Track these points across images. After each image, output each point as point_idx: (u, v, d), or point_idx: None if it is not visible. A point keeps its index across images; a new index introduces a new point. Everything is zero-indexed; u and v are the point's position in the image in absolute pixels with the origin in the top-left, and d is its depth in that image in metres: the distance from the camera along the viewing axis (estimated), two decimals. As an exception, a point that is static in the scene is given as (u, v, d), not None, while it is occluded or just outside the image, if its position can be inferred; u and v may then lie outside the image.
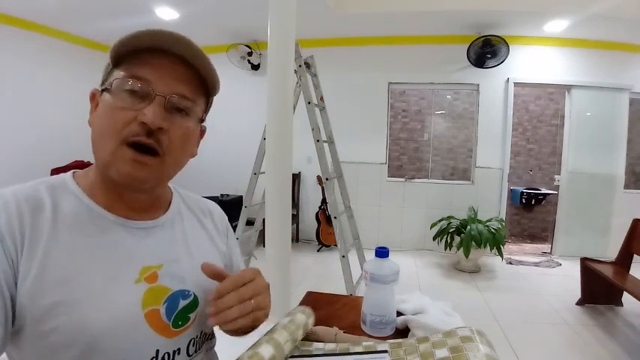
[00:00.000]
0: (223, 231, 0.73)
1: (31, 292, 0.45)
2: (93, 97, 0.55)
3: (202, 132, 0.63)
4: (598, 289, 2.69)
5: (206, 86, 0.57)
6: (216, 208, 0.74)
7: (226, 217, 0.76)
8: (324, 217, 4.04)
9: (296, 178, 4.27)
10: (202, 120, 0.60)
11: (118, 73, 0.51)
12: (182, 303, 0.56)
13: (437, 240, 3.64)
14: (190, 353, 0.56)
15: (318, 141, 2.61)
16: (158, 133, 0.51)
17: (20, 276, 0.45)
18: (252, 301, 0.52)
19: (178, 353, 0.54)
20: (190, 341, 0.56)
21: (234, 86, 4.37)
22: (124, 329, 0.48)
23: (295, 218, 4.31)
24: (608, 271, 2.49)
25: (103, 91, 0.53)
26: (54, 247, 0.48)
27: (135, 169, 0.50)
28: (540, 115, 5.26)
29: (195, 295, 0.58)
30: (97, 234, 0.52)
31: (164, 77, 0.51)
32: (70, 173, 0.57)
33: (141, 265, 0.54)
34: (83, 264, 0.49)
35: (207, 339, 0.61)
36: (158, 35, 0.50)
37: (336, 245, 2.88)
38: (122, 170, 0.50)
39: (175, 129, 0.53)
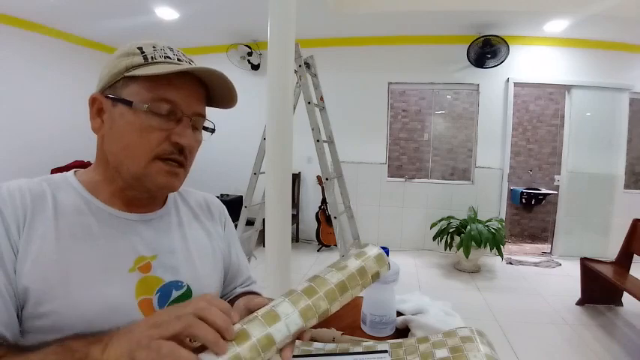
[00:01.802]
0: (221, 221, 0.74)
1: (30, 274, 0.47)
2: (94, 101, 0.56)
3: None
4: (598, 289, 2.69)
5: (209, 99, 0.61)
6: (213, 199, 0.76)
7: (225, 208, 0.77)
8: (324, 217, 4.04)
9: (296, 178, 4.27)
10: (211, 130, 0.64)
11: (142, 92, 0.53)
12: (175, 294, 0.58)
13: (437, 240, 3.64)
14: None
15: (318, 141, 2.61)
16: (185, 150, 0.56)
17: (19, 258, 0.48)
18: None
19: None
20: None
21: (234, 86, 4.36)
22: (117, 316, 0.50)
23: (295, 218, 4.31)
24: (608, 271, 2.49)
25: (114, 100, 0.54)
26: (52, 235, 0.50)
27: (169, 180, 0.56)
28: (540, 115, 5.26)
29: (188, 286, 0.59)
30: (95, 225, 0.54)
31: (187, 98, 0.55)
32: (71, 171, 0.60)
33: (136, 255, 0.56)
34: (79, 251, 0.51)
35: None
36: (193, 69, 0.54)
37: (336, 245, 2.88)
38: (158, 181, 0.55)
39: (196, 144, 0.59)
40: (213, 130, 0.63)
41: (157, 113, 0.52)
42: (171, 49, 0.57)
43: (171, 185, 0.56)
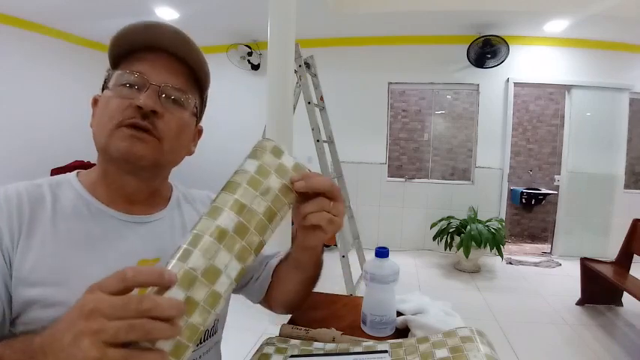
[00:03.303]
0: None
1: (28, 281, 0.46)
2: (95, 102, 0.58)
3: (199, 132, 0.65)
4: (598, 289, 2.69)
5: (199, 82, 0.60)
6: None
7: None
8: (324, 217, 4.04)
9: (296, 178, 4.27)
10: (197, 115, 0.61)
11: (116, 73, 0.54)
12: None
13: (437, 240, 3.64)
14: None
15: (318, 141, 2.61)
16: (153, 117, 0.53)
17: (15, 266, 0.47)
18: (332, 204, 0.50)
19: None
20: None
21: (234, 86, 4.36)
22: None
23: (295, 218, 4.31)
24: (608, 271, 2.49)
25: (103, 91, 0.56)
26: (51, 239, 0.49)
27: (132, 144, 0.52)
28: (540, 115, 5.26)
29: None
30: (95, 227, 0.53)
31: (158, 70, 0.54)
32: (74, 172, 0.60)
33: (138, 259, 0.55)
34: (80, 255, 0.50)
35: (208, 336, 0.61)
36: (152, 30, 0.53)
37: (336, 245, 2.89)
38: (120, 146, 0.52)
39: (170, 116, 0.55)
40: (196, 109, 0.61)
41: (125, 85, 0.53)
42: None
43: (135, 151, 0.52)
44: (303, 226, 0.51)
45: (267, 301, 0.72)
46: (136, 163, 0.53)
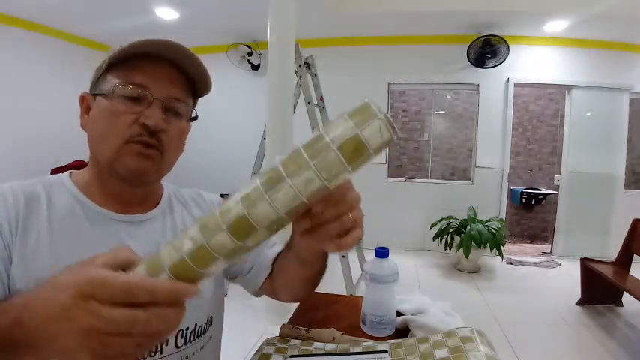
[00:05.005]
0: (214, 204, 0.72)
1: (22, 278, 0.47)
2: (83, 100, 0.58)
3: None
4: (598, 289, 2.68)
5: (193, 86, 0.60)
6: (206, 192, 0.75)
7: (221, 199, 0.75)
8: (324, 217, 4.04)
9: (296, 178, 4.27)
10: (192, 119, 0.62)
11: (112, 80, 0.53)
12: None
13: (437, 240, 3.63)
14: (179, 345, 0.57)
15: (318, 141, 2.61)
16: (159, 133, 0.54)
17: (13, 260, 0.47)
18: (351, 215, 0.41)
19: (166, 344, 0.55)
20: (179, 333, 0.57)
21: (235, 86, 4.36)
22: None
23: (295, 218, 4.30)
24: (608, 271, 2.49)
25: (95, 94, 0.55)
26: (46, 238, 0.50)
27: (140, 162, 0.53)
28: (540, 115, 5.26)
29: None
30: (89, 227, 0.54)
31: (159, 82, 0.54)
32: (67, 173, 0.60)
33: None
34: (73, 255, 0.50)
35: (202, 332, 0.61)
36: (153, 44, 0.53)
37: (336, 245, 2.90)
38: (129, 164, 0.53)
39: (172, 129, 0.56)
40: (195, 118, 0.61)
41: (126, 97, 0.53)
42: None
43: (143, 168, 0.54)
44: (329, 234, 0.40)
45: (271, 290, 0.70)
46: (142, 180, 0.56)
